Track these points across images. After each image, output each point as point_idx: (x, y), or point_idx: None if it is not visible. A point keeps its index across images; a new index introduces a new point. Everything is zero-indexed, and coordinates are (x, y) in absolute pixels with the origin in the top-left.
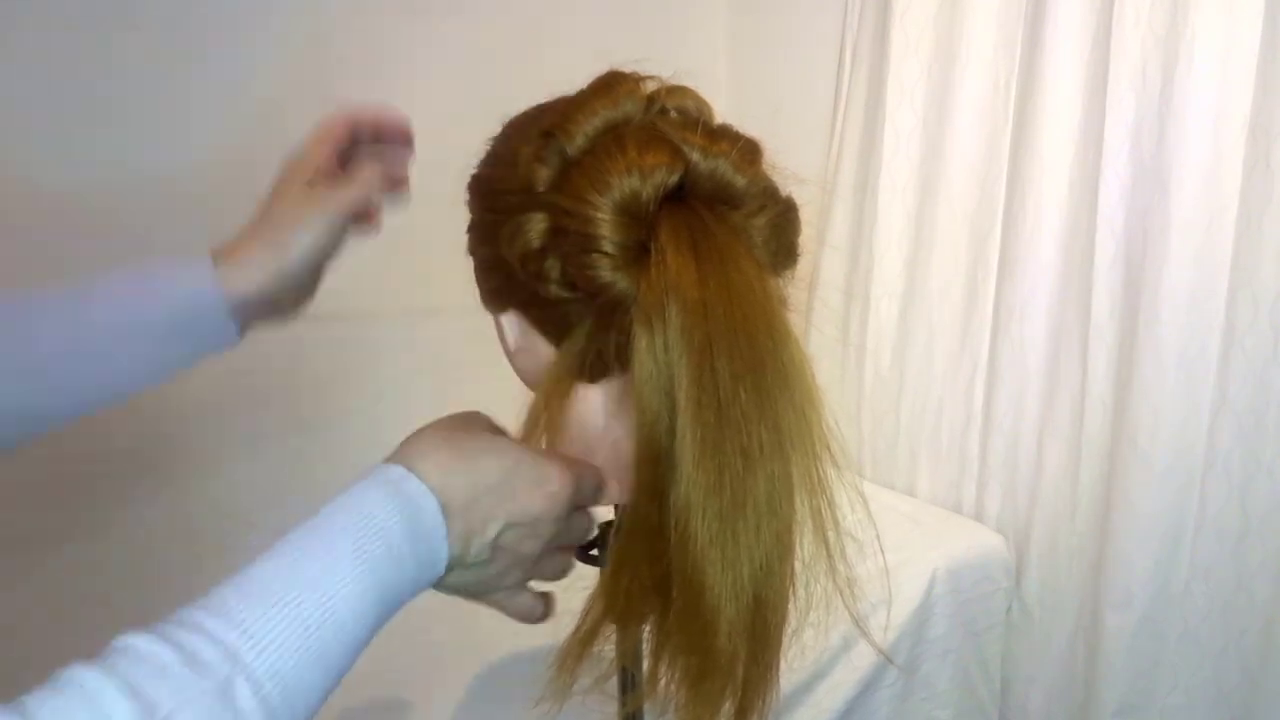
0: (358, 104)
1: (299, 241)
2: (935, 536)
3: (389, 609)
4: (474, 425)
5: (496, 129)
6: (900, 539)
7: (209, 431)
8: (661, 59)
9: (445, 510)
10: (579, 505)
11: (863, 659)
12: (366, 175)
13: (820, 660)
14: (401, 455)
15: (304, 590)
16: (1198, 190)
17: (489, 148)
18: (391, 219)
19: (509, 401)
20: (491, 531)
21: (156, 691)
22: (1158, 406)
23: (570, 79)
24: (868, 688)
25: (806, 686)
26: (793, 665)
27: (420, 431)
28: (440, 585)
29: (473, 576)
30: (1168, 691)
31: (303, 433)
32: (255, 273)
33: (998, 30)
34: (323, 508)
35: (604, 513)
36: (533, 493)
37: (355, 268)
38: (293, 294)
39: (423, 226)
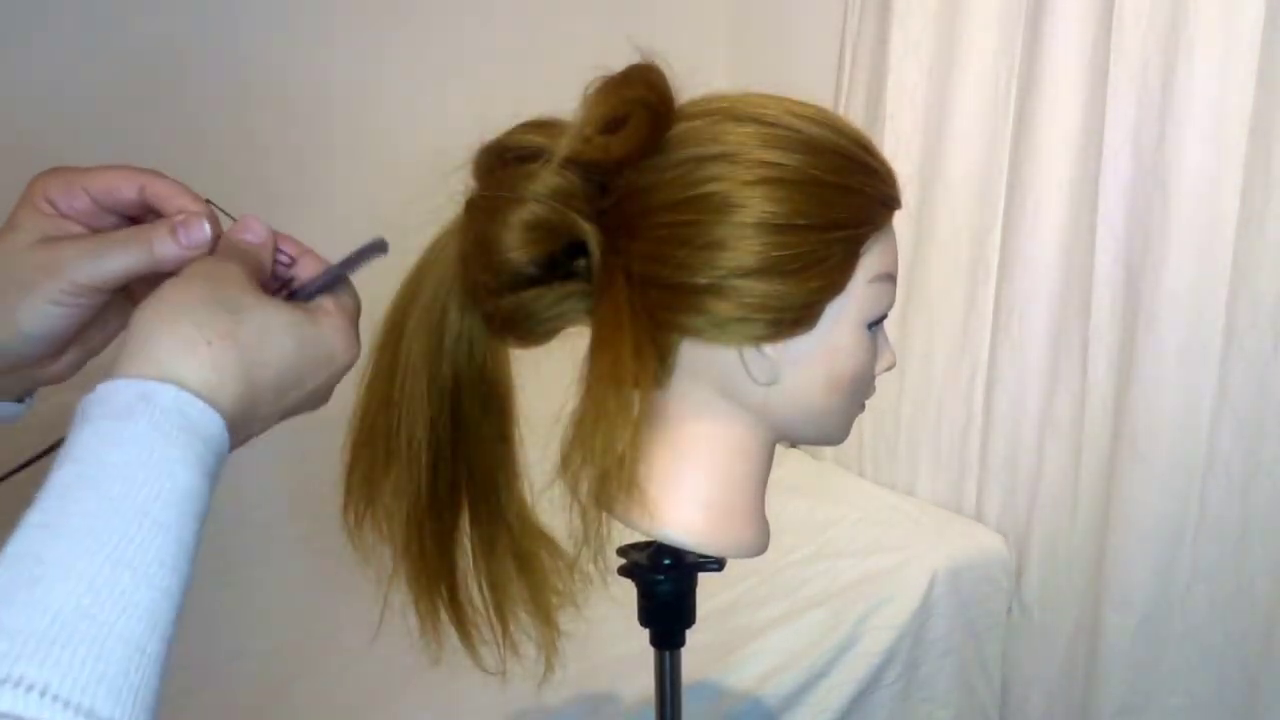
0: (156, 178)
1: (26, 311)
2: (935, 536)
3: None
4: (230, 284)
5: (494, 129)
6: (900, 539)
7: None
8: (661, 60)
9: (230, 427)
10: None
11: (863, 659)
12: (152, 231)
13: (820, 660)
14: (164, 353)
15: (122, 614)
16: (1198, 190)
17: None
18: (406, 227)
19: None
20: (274, 421)
21: None
22: (1158, 406)
23: (568, 80)
24: (868, 688)
25: (807, 686)
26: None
27: (174, 307)
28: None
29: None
30: (1168, 692)
31: (305, 432)
32: None
33: (998, 30)
34: (79, 484)
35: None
36: (318, 372)
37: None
38: (31, 362)
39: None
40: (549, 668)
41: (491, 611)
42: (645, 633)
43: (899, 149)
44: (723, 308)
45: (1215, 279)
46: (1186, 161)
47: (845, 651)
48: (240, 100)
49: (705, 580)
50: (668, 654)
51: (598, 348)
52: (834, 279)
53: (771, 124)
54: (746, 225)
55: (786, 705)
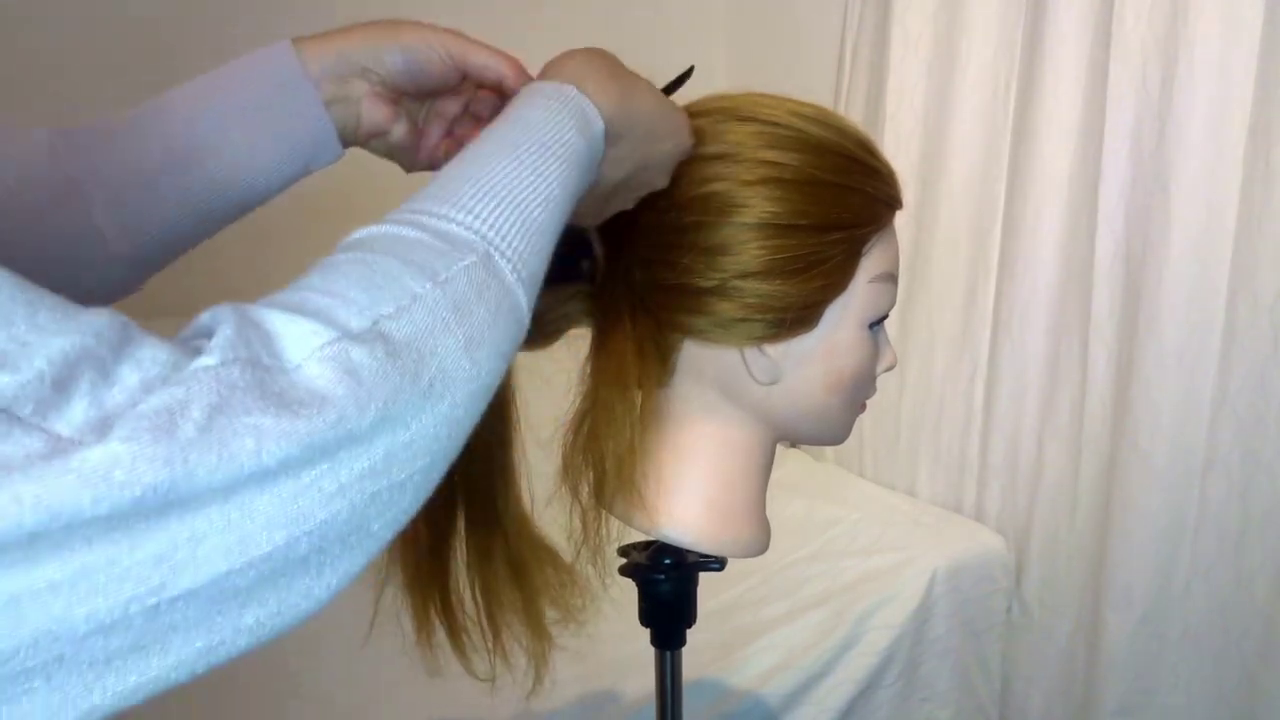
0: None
1: (388, 39)
2: (935, 536)
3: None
4: (615, 59)
5: None
6: (900, 539)
7: None
8: (660, 59)
9: (607, 135)
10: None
11: (863, 659)
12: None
13: (820, 660)
14: (569, 75)
15: (529, 194)
16: (1198, 190)
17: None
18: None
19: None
20: (628, 167)
21: (429, 260)
22: (1158, 406)
23: None
24: (868, 688)
25: (807, 686)
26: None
27: (573, 54)
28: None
29: (604, 190)
30: (1168, 691)
31: None
32: (331, 53)
33: (998, 30)
34: (513, 124)
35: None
36: (666, 141)
37: None
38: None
39: None
40: (538, 679)
41: (483, 618)
42: (646, 632)
43: (899, 149)
44: (725, 308)
45: (1215, 279)
46: (1186, 161)
47: (845, 651)
48: None
49: (706, 580)
50: (668, 654)
51: (600, 349)
52: (835, 279)
53: (773, 124)
54: (748, 226)
55: (787, 705)
